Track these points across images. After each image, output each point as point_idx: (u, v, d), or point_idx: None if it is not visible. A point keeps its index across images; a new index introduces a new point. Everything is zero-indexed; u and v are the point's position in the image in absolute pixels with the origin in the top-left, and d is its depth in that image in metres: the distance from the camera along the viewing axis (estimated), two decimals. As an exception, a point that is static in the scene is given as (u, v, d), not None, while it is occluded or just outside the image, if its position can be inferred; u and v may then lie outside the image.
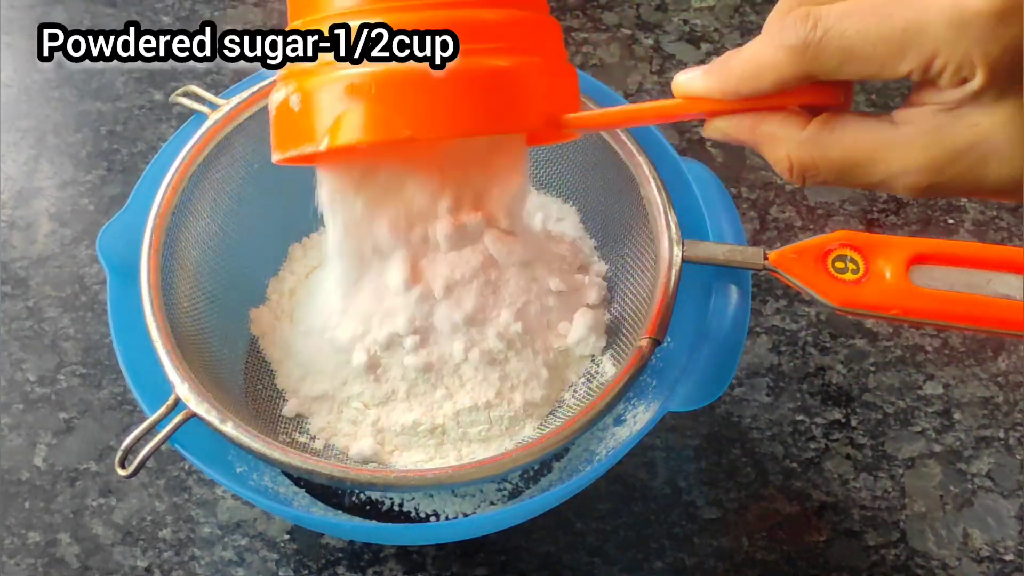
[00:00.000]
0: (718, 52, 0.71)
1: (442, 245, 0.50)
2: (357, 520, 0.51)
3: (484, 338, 0.51)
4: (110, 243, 0.49)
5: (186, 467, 0.55)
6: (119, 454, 0.44)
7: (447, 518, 0.51)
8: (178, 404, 0.45)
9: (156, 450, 0.44)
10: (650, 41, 0.73)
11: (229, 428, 0.44)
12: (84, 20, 0.74)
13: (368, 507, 0.51)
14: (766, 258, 0.48)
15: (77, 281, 0.62)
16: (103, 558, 0.53)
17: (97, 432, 0.56)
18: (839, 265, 0.48)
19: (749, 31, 0.72)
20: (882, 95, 0.72)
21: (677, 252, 0.49)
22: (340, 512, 0.51)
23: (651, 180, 0.51)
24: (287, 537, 0.53)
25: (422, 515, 0.51)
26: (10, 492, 0.54)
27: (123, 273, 0.48)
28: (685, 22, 0.74)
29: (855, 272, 0.48)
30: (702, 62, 0.72)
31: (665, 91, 0.71)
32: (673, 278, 0.48)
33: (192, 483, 0.55)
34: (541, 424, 0.51)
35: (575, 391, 0.52)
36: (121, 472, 0.44)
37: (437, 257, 0.50)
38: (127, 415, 0.57)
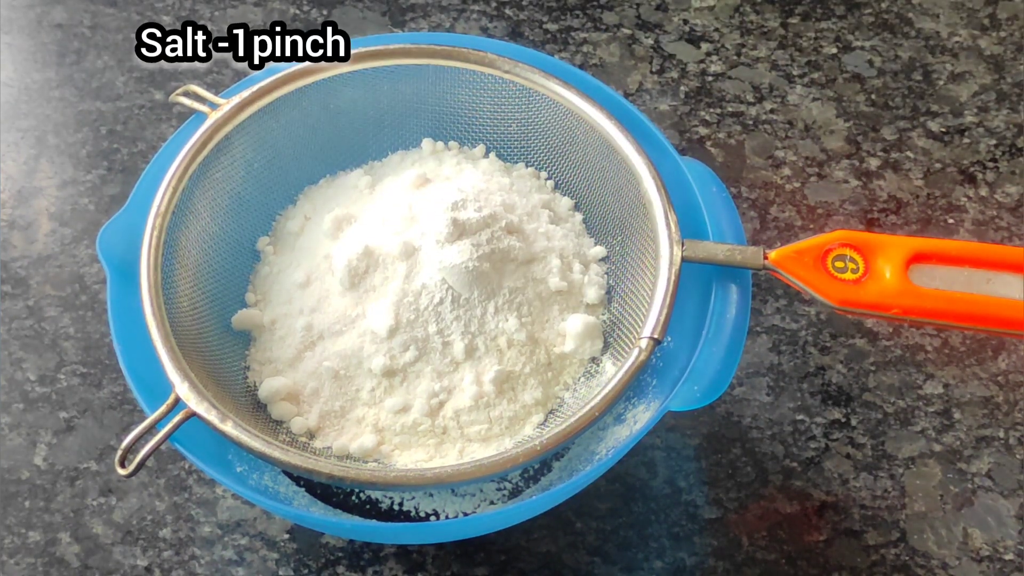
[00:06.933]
0: (718, 52, 0.71)
1: (441, 241, 0.50)
2: (357, 520, 0.51)
3: (484, 337, 0.51)
4: (110, 243, 0.50)
5: (186, 466, 0.55)
6: (119, 453, 0.44)
7: (447, 518, 0.51)
8: (178, 403, 0.45)
9: (156, 449, 0.44)
10: (650, 41, 0.73)
11: (229, 427, 0.44)
12: (84, 20, 0.74)
13: (368, 507, 0.51)
14: (766, 258, 0.48)
15: (77, 281, 0.62)
16: (103, 557, 0.53)
17: (97, 431, 0.56)
18: (839, 265, 0.48)
19: (749, 31, 0.72)
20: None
21: (677, 252, 0.49)
22: (340, 512, 0.51)
23: (651, 179, 0.51)
24: (287, 536, 0.53)
25: (422, 515, 0.51)
26: (10, 491, 0.54)
27: (123, 273, 0.49)
28: (685, 22, 0.74)
29: (855, 272, 0.48)
30: (702, 62, 0.73)
31: (665, 91, 0.71)
32: (673, 278, 0.48)
33: (192, 482, 0.55)
34: (541, 424, 0.51)
35: (575, 391, 0.52)
36: (121, 471, 0.44)
37: (435, 254, 0.50)
38: (127, 415, 0.57)
